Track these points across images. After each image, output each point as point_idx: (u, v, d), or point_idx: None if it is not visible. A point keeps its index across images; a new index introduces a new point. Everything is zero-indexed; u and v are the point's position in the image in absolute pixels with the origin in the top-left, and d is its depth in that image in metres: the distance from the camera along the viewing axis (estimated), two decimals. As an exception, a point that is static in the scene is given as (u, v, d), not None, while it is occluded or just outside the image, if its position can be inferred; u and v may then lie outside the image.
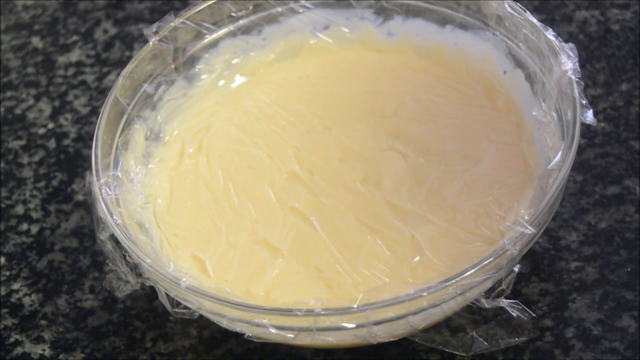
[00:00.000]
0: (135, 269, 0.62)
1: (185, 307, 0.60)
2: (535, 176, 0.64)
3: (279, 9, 0.76)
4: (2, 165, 0.82)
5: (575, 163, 0.66)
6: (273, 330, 0.57)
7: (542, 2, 0.86)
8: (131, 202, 0.67)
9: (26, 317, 0.71)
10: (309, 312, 0.56)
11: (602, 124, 0.76)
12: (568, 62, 0.64)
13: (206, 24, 0.75)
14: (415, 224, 0.65)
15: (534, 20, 0.67)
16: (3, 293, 0.73)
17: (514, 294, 0.65)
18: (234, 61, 0.77)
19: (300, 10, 0.77)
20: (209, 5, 0.75)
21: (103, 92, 0.86)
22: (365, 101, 0.73)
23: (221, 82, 0.77)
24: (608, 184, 0.72)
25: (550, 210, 0.60)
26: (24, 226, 0.77)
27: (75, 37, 0.92)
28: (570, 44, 0.65)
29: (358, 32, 0.77)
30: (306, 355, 0.66)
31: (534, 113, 0.67)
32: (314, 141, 0.71)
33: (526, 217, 0.59)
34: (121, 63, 0.89)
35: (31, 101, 0.87)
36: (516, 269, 0.58)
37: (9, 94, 0.88)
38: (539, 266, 0.68)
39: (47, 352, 0.69)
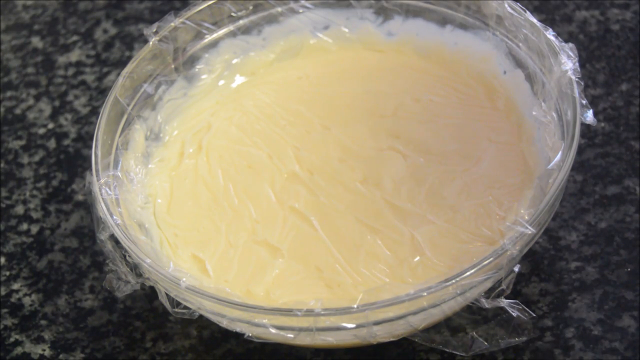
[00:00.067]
0: (135, 269, 0.62)
1: (185, 307, 0.60)
2: (535, 176, 0.64)
3: (279, 9, 0.76)
4: (2, 165, 0.82)
5: (575, 163, 0.66)
6: (273, 330, 0.57)
7: (542, 2, 0.86)
8: (131, 202, 0.67)
9: (26, 317, 0.71)
10: (309, 312, 0.56)
11: (602, 124, 0.76)
12: (568, 62, 0.64)
13: (206, 24, 0.75)
14: (415, 224, 0.65)
15: (534, 20, 0.67)
16: (3, 293, 0.73)
17: (514, 294, 0.65)
18: (234, 61, 0.77)
19: (300, 10, 0.77)
20: (209, 5, 0.75)
21: (103, 92, 0.86)
22: (365, 101, 0.73)
23: (221, 82, 0.77)
24: (608, 184, 0.72)
25: (550, 210, 0.60)
26: (24, 226, 0.77)
27: (75, 37, 0.92)
28: (570, 44, 0.65)
29: (358, 32, 0.77)
30: (306, 355, 0.66)
31: (534, 113, 0.67)
32: (314, 141, 0.71)
33: (526, 217, 0.59)
34: (121, 63, 0.89)
35: (31, 101, 0.87)
36: (516, 269, 0.58)
37: (9, 94, 0.88)
38: (539, 266, 0.68)
39: (47, 352, 0.69)
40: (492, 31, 0.72)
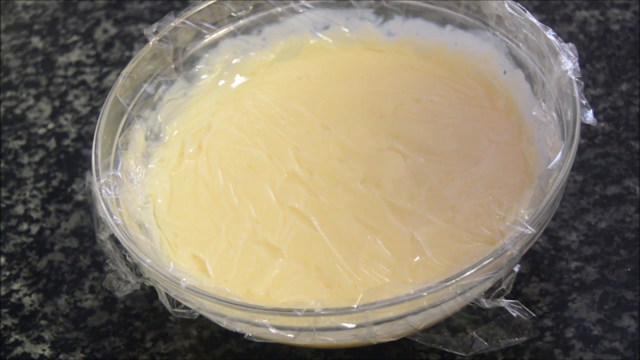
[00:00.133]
0: (135, 269, 0.63)
1: (185, 307, 0.60)
2: (535, 176, 0.64)
3: (279, 9, 0.76)
4: (2, 165, 0.82)
5: (575, 163, 0.66)
6: (273, 330, 0.57)
7: (542, 2, 0.86)
8: (131, 202, 0.67)
9: (26, 317, 0.71)
10: (309, 312, 0.56)
11: (602, 124, 0.76)
12: (568, 62, 0.64)
13: (206, 24, 0.75)
14: (415, 224, 0.65)
15: (534, 20, 0.67)
16: (3, 293, 0.73)
17: (514, 294, 0.65)
18: (234, 61, 0.77)
19: (300, 10, 0.77)
20: (209, 5, 0.75)
21: (103, 92, 0.86)
22: (365, 101, 0.73)
23: (221, 82, 0.77)
24: (608, 184, 0.72)
25: (550, 210, 0.60)
26: (24, 226, 0.77)
27: (75, 37, 0.92)
28: (570, 44, 0.65)
29: (358, 32, 0.77)
30: (306, 355, 0.66)
31: (534, 113, 0.67)
32: (314, 141, 0.71)
33: (526, 217, 0.59)
34: (121, 63, 0.89)
35: (31, 101, 0.87)
36: (516, 269, 0.58)
37: (9, 94, 0.88)
38: (539, 266, 0.68)
39: (47, 352, 0.69)
40: (492, 31, 0.72)
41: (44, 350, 0.69)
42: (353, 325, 0.56)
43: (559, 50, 0.64)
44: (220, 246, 0.66)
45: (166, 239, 0.67)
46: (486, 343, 0.59)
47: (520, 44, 0.69)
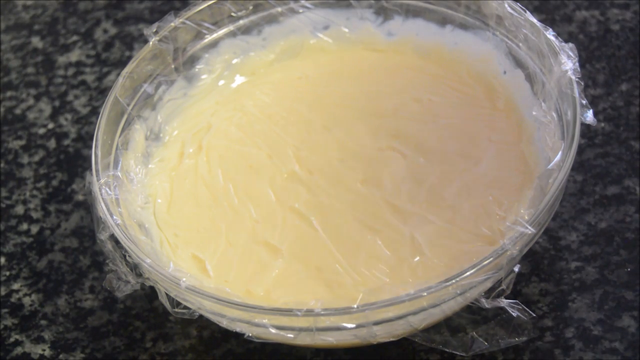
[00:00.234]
0: (135, 269, 0.62)
1: (185, 307, 0.60)
2: (535, 176, 0.64)
3: (279, 9, 0.76)
4: (2, 165, 0.82)
5: (575, 163, 0.66)
6: (273, 330, 0.57)
7: (542, 2, 0.86)
8: (131, 202, 0.67)
9: (26, 317, 0.71)
10: (309, 312, 0.56)
11: (602, 124, 0.76)
12: (568, 62, 0.64)
13: (206, 24, 0.75)
14: (415, 224, 0.65)
15: (534, 20, 0.67)
16: (3, 293, 0.73)
17: (514, 294, 0.65)
18: (234, 61, 0.77)
19: (300, 10, 0.77)
20: (209, 5, 0.75)
21: (103, 92, 0.86)
22: (365, 101, 0.73)
23: (221, 82, 0.77)
24: (608, 184, 0.72)
25: (550, 210, 0.60)
26: (24, 226, 0.77)
27: (75, 37, 0.92)
28: (570, 44, 0.65)
29: (358, 32, 0.77)
30: (306, 355, 0.66)
31: (534, 113, 0.67)
32: (314, 141, 0.71)
33: (526, 217, 0.59)
34: (121, 63, 0.89)
35: (31, 101, 0.87)
36: (516, 269, 0.58)
37: (9, 94, 0.88)
38: (539, 266, 0.68)
39: (47, 352, 0.69)
40: (492, 31, 0.72)
41: (44, 350, 0.69)
42: (353, 325, 0.56)
43: (559, 50, 0.64)
44: (220, 246, 0.66)
45: (166, 239, 0.67)
46: (486, 343, 0.59)
47: (520, 44, 0.69)
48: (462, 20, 0.73)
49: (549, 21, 0.84)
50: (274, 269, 0.64)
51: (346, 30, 0.77)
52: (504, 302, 0.58)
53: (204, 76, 0.76)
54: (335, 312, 0.56)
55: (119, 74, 0.71)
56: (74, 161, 0.81)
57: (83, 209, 0.77)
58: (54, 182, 0.80)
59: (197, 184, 0.70)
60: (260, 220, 0.67)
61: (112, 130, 0.69)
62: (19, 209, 0.78)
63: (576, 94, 0.63)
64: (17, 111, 0.86)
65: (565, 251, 0.69)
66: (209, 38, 0.76)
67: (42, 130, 0.84)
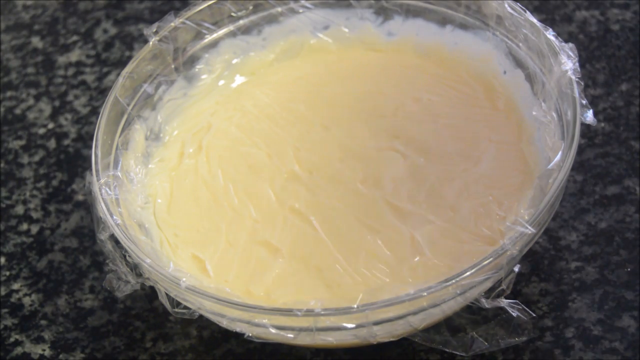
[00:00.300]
0: (135, 269, 0.62)
1: (185, 307, 0.60)
2: (535, 176, 0.64)
3: (279, 9, 0.76)
4: (2, 165, 0.82)
5: (575, 163, 0.66)
6: (273, 330, 0.57)
7: (542, 2, 0.86)
8: (131, 202, 0.67)
9: (26, 317, 0.71)
10: (309, 312, 0.56)
11: (602, 124, 0.76)
12: (568, 62, 0.64)
13: (206, 24, 0.75)
14: (415, 224, 0.65)
15: (534, 20, 0.67)
16: (3, 293, 0.73)
17: (514, 294, 0.65)
18: (234, 61, 0.77)
19: (300, 10, 0.77)
20: (209, 5, 0.75)
21: (103, 92, 0.86)
22: (365, 101, 0.73)
23: (221, 82, 0.77)
24: (608, 184, 0.72)
25: (550, 210, 0.60)
26: (24, 226, 0.77)
27: (75, 37, 0.92)
28: (570, 44, 0.65)
29: (358, 32, 0.77)
30: (306, 355, 0.66)
31: (534, 113, 0.67)
32: (314, 141, 0.71)
33: (526, 217, 0.59)
34: (121, 63, 0.89)
35: (31, 101, 0.87)
36: (516, 269, 0.58)
37: (9, 94, 0.88)
38: (539, 266, 0.68)
39: (47, 352, 0.69)
40: (492, 31, 0.72)
41: (44, 350, 0.69)
42: (353, 325, 0.56)
43: (559, 50, 0.64)
44: (220, 246, 0.66)
45: (166, 239, 0.67)
46: (486, 343, 0.59)
47: (520, 44, 0.69)
48: (462, 20, 0.73)
49: (549, 21, 0.84)
50: (274, 269, 0.64)
51: (346, 30, 0.77)
52: (504, 302, 0.58)
53: (204, 76, 0.76)
54: (335, 312, 0.56)
55: (119, 74, 0.71)
56: (74, 161, 0.81)
57: (83, 209, 0.77)
58: (54, 182, 0.80)
59: (197, 184, 0.70)
60: (260, 220, 0.67)
61: (112, 130, 0.69)
62: (19, 209, 0.78)
63: (576, 94, 0.63)
64: (17, 111, 0.86)
65: (565, 251, 0.69)
66: (209, 38, 0.76)
67: (42, 130, 0.84)
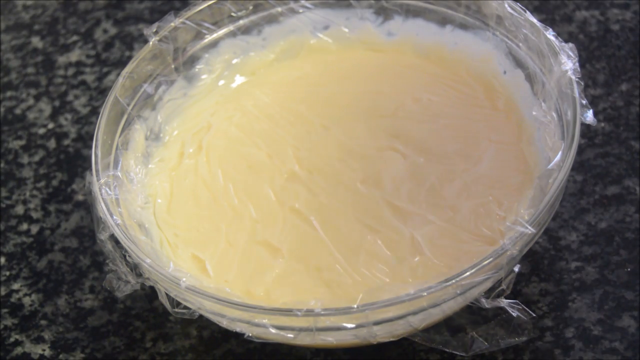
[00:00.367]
0: (135, 269, 0.62)
1: (185, 307, 0.60)
2: (535, 176, 0.64)
3: (279, 9, 0.76)
4: (2, 165, 0.82)
5: (575, 163, 0.66)
6: (273, 330, 0.57)
7: (542, 2, 0.86)
8: (131, 202, 0.67)
9: (26, 317, 0.71)
10: (309, 312, 0.56)
11: (602, 124, 0.76)
12: (568, 62, 0.64)
13: (206, 24, 0.75)
14: (415, 224, 0.65)
15: (534, 20, 0.67)
16: (3, 293, 0.73)
17: (514, 294, 0.65)
18: (234, 61, 0.77)
19: (300, 10, 0.77)
20: (209, 5, 0.75)
21: (103, 92, 0.86)
22: (365, 101, 0.73)
23: (221, 82, 0.77)
24: (608, 184, 0.72)
25: (550, 210, 0.60)
26: (24, 226, 0.77)
27: (75, 37, 0.92)
28: (570, 44, 0.65)
29: (358, 32, 0.77)
30: (306, 355, 0.66)
31: (534, 113, 0.67)
32: (314, 141, 0.71)
33: (526, 217, 0.59)
34: (121, 63, 0.89)
35: (31, 101, 0.87)
36: (516, 269, 0.58)
37: (9, 94, 0.88)
38: (539, 266, 0.68)
39: (47, 352, 0.69)
40: (492, 31, 0.72)
41: (44, 350, 0.69)
42: (353, 325, 0.56)
43: (559, 50, 0.64)
44: (220, 246, 0.66)
45: (166, 239, 0.67)
46: (486, 343, 0.59)
47: (520, 44, 0.69)
48: (462, 20, 0.73)
49: (549, 21, 0.84)
50: (274, 269, 0.64)
51: (346, 30, 0.77)
52: (504, 302, 0.58)
53: (204, 76, 0.76)
54: (335, 312, 0.56)
55: (119, 74, 0.71)
56: (74, 161, 0.81)
57: (83, 209, 0.77)
58: (54, 182, 0.80)
59: (197, 184, 0.70)
60: (260, 220, 0.67)
61: (112, 130, 0.69)
62: (19, 209, 0.78)
63: (576, 94, 0.63)
64: (17, 111, 0.86)
65: (565, 251, 0.69)
66: (209, 38, 0.76)
67: (42, 130, 0.84)
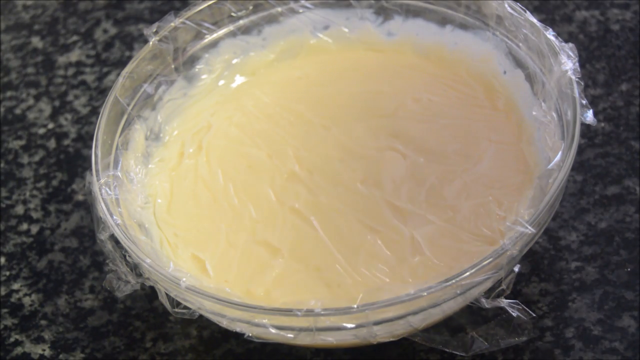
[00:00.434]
0: (135, 269, 0.62)
1: (185, 307, 0.60)
2: (535, 176, 0.64)
3: (279, 9, 0.76)
4: (2, 165, 0.82)
5: (575, 163, 0.66)
6: (273, 330, 0.57)
7: (542, 2, 0.86)
8: (131, 202, 0.67)
9: (26, 317, 0.71)
10: (309, 312, 0.56)
11: (602, 124, 0.76)
12: (568, 62, 0.64)
13: (206, 24, 0.75)
14: (415, 224, 0.65)
15: (534, 20, 0.67)
16: (3, 293, 0.73)
17: (514, 294, 0.65)
18: (234, 61, 0.77)
19: (300, 10, 0.77)
20: (209, 5, 0.75)
21: (103, 92, 0.86)
22: (365, 101, 0.73)
23: (221, 82, 0.77)
24: (608, 184, 0.72)
25: (550, 210, 0.60)
26: (24, 226, 0.77)
27: (75, 37, 0.92)
28: (570, 44, 0.65)
29: (358, 32, 0.77)
30: (306, 355, 0.66)
31: (534, 113, 0.67)
32: (314, 141, 0.71)
33: (526, 217, 0.59)
34: (121, 63, 0.89)
35: (31, 101, 0.87)
36: (516, 269, 0.58)
37: (9, 94, 0.88)
38: (539, 266, 0.68)
39: (47, 352, 0.69)
40: (492, 31, 0.72)
41: (44, 350, 0.69)
42: (353, 325, 0.56)
43: (559, 50, 0.64)
44: (220, 246, 0.66)
45: (166, 239, 0.67)
46: (486, 343, 0.59)
47: (520, 44, 0.69)
48: (462, 20, 0.73)
49: (549, 21, 0.84)
50: (274, 269, 0.64)
51: (346, 30, 0.77)
52: (504, 302, 0.58)
53: (204, 76, 0.76)
54: (335, 312, 0.56)
55: (119, 74, 0.71)
56: (74, 161, 0.81)
57: (83, 209, 0.77)
58: (54, 182, 0.80)
59: (197, 184, 0.70)
60: (260, 220, 0.67)
61: (112, 130, 0.69)
62: (19, 209, 0.78)
63: (576, 94, 0.63)
64: (17, 111, 0.86)
65: (565, 251, 0.69)
66: (209, 38, 0.76)
67: (42, 130, 0.84)
